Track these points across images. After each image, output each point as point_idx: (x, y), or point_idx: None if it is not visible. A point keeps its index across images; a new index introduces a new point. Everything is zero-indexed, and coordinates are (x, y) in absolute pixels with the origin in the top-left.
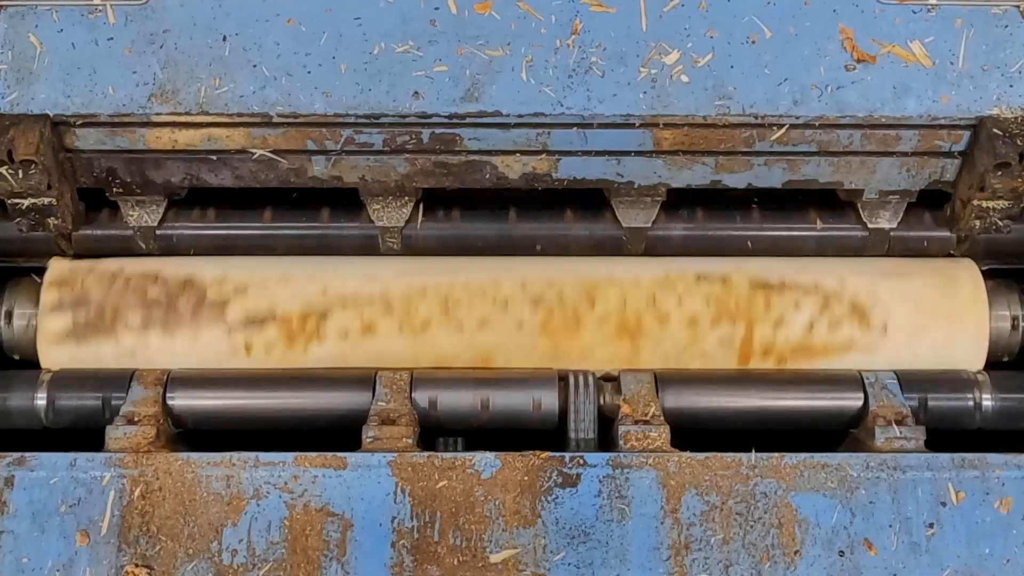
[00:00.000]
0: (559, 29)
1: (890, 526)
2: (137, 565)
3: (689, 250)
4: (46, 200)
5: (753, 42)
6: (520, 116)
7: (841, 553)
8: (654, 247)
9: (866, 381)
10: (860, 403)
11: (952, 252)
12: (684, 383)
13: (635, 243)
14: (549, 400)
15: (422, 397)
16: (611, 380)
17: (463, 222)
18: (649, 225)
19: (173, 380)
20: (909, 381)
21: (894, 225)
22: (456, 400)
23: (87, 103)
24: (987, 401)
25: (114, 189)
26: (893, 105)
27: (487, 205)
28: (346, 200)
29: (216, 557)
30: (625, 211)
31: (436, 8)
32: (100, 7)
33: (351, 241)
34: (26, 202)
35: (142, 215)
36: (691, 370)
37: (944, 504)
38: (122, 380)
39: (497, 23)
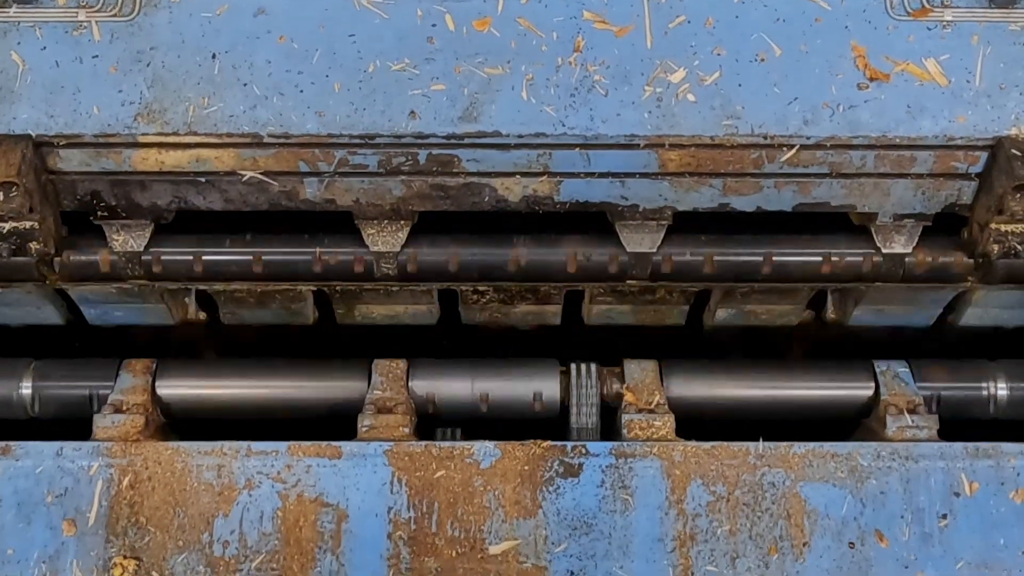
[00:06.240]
0: (561, 46)
1: (902, 517)
2: (126, 557)
3: (696, 276)
4: (28, 224)
5: (762, 60)
6: (520, 136)
7: (851, 545)
8: (660, 272)
9: (877, 369)
10: (871, 392)
11: (970, 278)
12: (689, 371)
13: (640, 268)
14: (550, 389)
15: (420, 386)
16: (615, 369)
17: (460, 247)
18: (654, 250)
19: (162, 368)
20: (922, 369)
21: (909, 250)
22: (455, 389)
23: (71, 123)
24: (1002, 390)
25: (98, 213)
26: (908, 125)
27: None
28: (339, 224)
29: (207, 548)
30: (629, 235)
31: (433, 25)
32: (85, 24)
33: (344, 267)
34: (7, 226)
35: (127, 240)
36: (697, 359)
37: (957, 494)
38: (110, 368)
39: (496, 40)
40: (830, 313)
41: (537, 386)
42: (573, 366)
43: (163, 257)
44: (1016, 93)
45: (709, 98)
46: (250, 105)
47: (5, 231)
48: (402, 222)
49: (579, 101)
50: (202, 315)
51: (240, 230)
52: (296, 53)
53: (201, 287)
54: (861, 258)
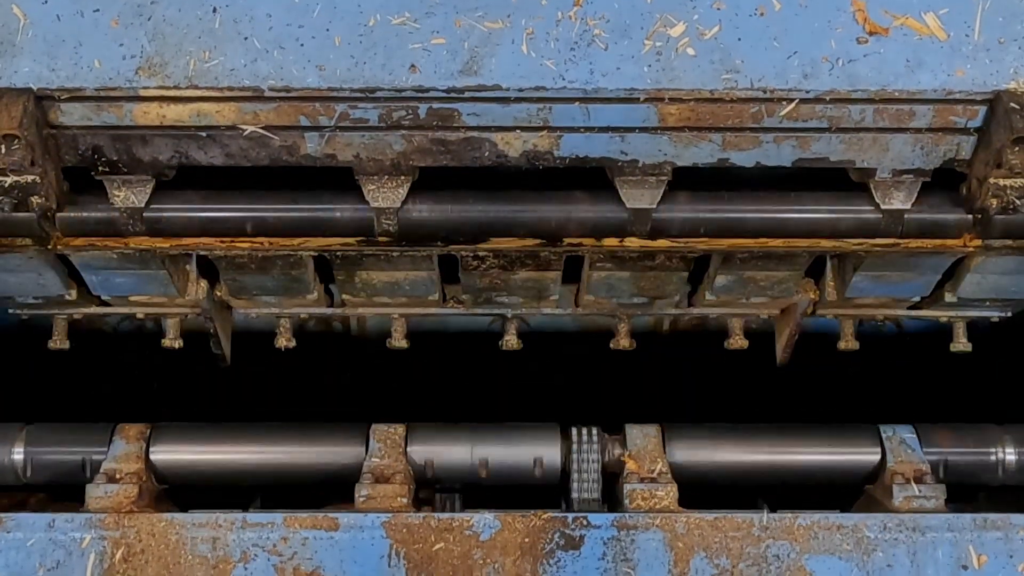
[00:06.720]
0: (561, 0)
1: None
2: None
3: (696, 232)
4: (29, 177)
5: (761, 14)
6: (520, 90)
7: None
8: (660, 229)
9: (883, 435)
10: (877, 458)
11: (968, 233)
12: (692, 437)
13: (639, 225)
14: (551, 455)
15: (418, 452)
16: (616, 434)
17: (460, 204)
18: (654, 206)
19: (156, 433)
20: (928, 434)
21: (908, 206)
22: (454, 455)
23: (72, 76)
24: (1010, 455)
25: (100, 168)
26: (906, 79)
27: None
28: (340, 181)
29: None
30: (629, 191)
31: None
32: None
33: (345, 223)
34: (8, 180)
35: (128, 195)
36: (699, 424)
37: (965, 567)
38: (103, 433)
39: None
40: (828, 280)
41: (537, 452)
42: (574, 431)
43: (164, 213)
44: (1015, 47)
45: (709, 52)
46: (251, 59)
47: (7, 184)
48: (402, 178)
49: (579, 55)
50: (203, 283)
51: (241, 188)
52: (296, 6)
53: (202, 252)
54: (860, 214)
